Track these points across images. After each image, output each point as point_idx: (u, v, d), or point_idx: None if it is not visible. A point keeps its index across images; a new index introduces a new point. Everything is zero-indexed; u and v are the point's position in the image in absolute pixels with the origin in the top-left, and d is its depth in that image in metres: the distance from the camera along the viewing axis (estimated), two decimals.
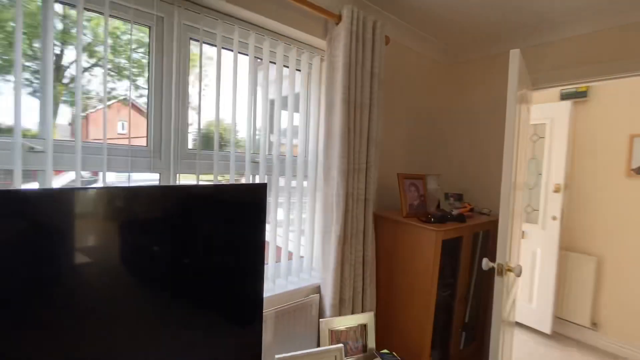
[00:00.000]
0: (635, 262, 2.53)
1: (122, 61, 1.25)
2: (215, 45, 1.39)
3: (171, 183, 1.31)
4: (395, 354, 1.43)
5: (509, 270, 1.52)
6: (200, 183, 1.37)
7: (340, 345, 1.23)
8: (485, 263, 1.59)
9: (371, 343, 1.44)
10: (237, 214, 1.17)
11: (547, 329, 2.79)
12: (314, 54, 1.79)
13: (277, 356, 1.11)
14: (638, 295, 2.52)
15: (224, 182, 1.46)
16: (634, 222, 2.55)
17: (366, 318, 1.47)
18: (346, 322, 1.41)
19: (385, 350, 1.45)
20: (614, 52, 1.79)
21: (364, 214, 1.77)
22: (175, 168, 1.34)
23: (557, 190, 2.78)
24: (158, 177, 1.32)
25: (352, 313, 1.72)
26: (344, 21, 1.60)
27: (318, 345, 1.44)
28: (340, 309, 1.67)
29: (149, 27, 1.28)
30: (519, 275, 1.51)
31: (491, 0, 1.72)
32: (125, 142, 1.24)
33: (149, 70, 1.28)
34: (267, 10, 1.46)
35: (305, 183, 1.80)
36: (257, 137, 1.60)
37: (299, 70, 1.77)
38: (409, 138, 2.30)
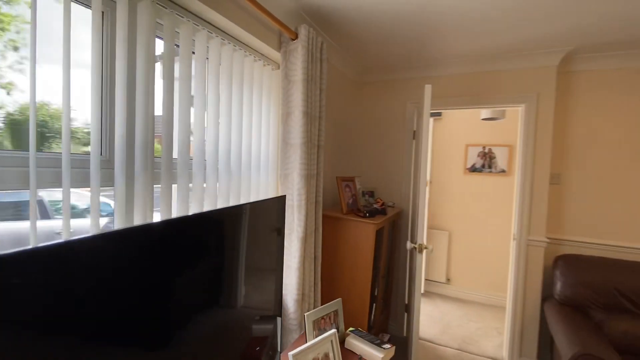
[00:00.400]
0: (472, 234, 3.68)
1: None
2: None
3: None
4: (360, 329, 1.71)
5: (425, 248, 2.04)
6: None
7: (334, 330, 1.40)
8: (409, 244, 2.07)
9: (342, 325, 1.67)
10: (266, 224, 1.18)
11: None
12: (263, 62, 1.84)
13: (290, 353, 1.19)
14: (474, 257, 3.68)
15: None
16: (469, 205, 3.69)
17: (337, 304, 1.68)
18: (323, 311, 1.59)
19: (351, 328, 1.71)
20: (465, 89, 2.60)
21: (314, 215, 1.96)
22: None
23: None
24: None
25: (311, 305, 1.90)
26: (301, 39, 1.74)
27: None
28: (302, 303, 1.83)
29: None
30: (431, 251, 2.05)
31: (402, 38, 2.21)
32: None
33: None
34: (224, 10, 1.41)
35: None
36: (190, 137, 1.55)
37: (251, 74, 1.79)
38: (334, 145, 2.62)
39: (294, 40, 1.77)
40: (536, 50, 2.27)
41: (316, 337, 1.48)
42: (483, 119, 3.29)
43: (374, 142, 2.94)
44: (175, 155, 1.27)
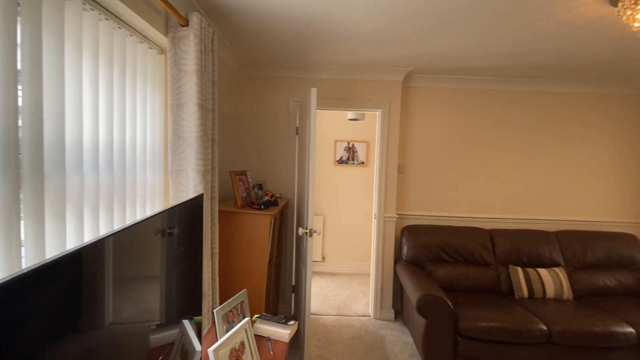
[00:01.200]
0: (341, 216, 4.28)
1: None
2: None
3: None
4: (265, 314, 1.81)
5: (315, 232, 2.31)
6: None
7: (247, 318, 1.45)
8: (300, 230, 2.29)
9: (248, 314, 1.72)
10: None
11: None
12: (148, 45, 1.65)
13: (209, 350, 1.18)
14: (343, 235, 4.29)
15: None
16: (339, 192, 4.27)
17: (243, 295, 1.71)
18: (231, 304, 1.60)
19: (257, 315, 1.78)
20: (338, 93, 3.01)
21: (211, 211, 1.92)
22: None
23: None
24: None
25: (210, 303, 1.88)
26: (193, 27, 1.65)
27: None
28: (202, 301, 1.78)
29: None
30: (319, 233, 2.34)
31: (290, 41, 2.37)
32: None
33: None
34: None
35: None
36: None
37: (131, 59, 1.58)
38: (224, 139, 2.56)
39: (184, 27, 1.66)
40: (389, 67, 2.86)
41: (226, 330, 1.51)
42: (349, 119, 3.86)
43: (261, 136, 3.02)
44: (46, 152, 1.03)
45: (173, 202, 1.69)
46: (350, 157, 4.24)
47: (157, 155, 1.76)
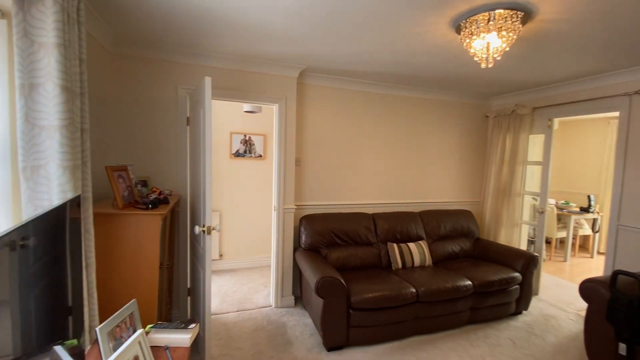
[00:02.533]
0: (239, 211, 4.18)
1: None
2: None
3: None
4: (160, 322, 1.64)
5: (213, 229, 2.21)
6: None
7: (140, 330, 1.28)
8: (197, 229, 2.16)
9: (139, 325, 1.52)
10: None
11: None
12: None
13: None
14: (242, 230, 4.21)
15: None
16: (236, 186, 4.15)
17: (132, 306, 1.50)
18: (117, 318, 1.39)
19: (150, 325, 1.60)
20: (233, 84, 2.92)
21: (83, 214, 1.62)
22: None
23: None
24: None
25: (86, 321, 1.61)
26: None
27: None
28: (79, 320, 1.51)
29: None
30: (218, 230, 2.25)
31: (179, 21, 2.16)
32: None
33: None
34: None
35: None
36: None
37: None
38: (96, 129, 2.16)
39: None
40: (285, 63, 2.92)
41: (113, 348, 1.33)
42: (245, 112, 3.78)
43: (145, 126, 2.67)
44: None
45: (29, 205, 1.36)
46: (247, 150, 4.17)
47: (1, 149, 1.38)
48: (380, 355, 2.45)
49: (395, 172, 3.75)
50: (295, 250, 3.22)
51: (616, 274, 2.11)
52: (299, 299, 3.32)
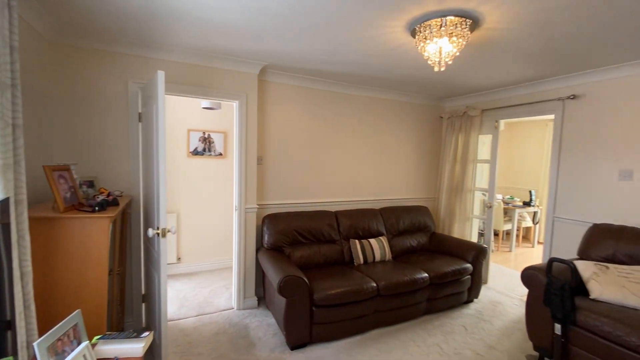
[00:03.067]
0: (198, 212, 4.02)
1: None
2: None
3: None
4: (109, 333, 1.52)
5: (168, 231, 2.10)
6: None
7: (86, 342, 1.18)
8: (151, 232, 2.05)
9: (85, 337, 1.40)
10: None
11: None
12: None
13: None
14: (201, 232, 4.05)
15: None
16: (195, 186, 3.99)
17: (76, 317, 1.38)
18: (59, 331, 1.26)
19: (97, 336, 1.48)
20: (190, 79, 2.79)
21: (16, 220, 1.46)
22: None
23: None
24: None
25: (23, 336, 1.46)
26: None
27: None
28: (14, 336, 1.37)
29: None
30: (174, 233, 2.15)
31: (127, 10, 2.02)
32: None
33: None
34: None
35: None
36: None
37: None
38: (32, 125, 1.95)
39: None
40: (245, 59, 2.86)
41: None
42: (203, 108, 3.64)
43: (91, 123, 2.46)
44: None
45: None
46: (206, 148, 4.02)
47: None
48: (343, 349, 2.50)
49: (357, 170, 3.83)
50: (257, 250, 3.17)
51: (551, 261, 2.34)
52: (262, 299, 3.28)
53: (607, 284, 2.24)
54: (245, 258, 3.11)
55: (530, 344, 2.64)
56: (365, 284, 2.67)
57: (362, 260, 3.23)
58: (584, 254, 2.68)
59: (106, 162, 2.53)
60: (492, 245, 4.89)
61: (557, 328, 2.22)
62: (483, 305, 3.36)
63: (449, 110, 4.39)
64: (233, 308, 3.13)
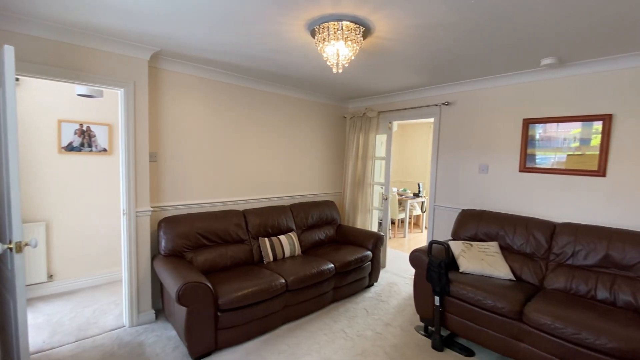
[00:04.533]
0: (77, 219, 3.38)
1: None
2: None
3: None
4: None
5: (26, 244, 1.70)
6: None
7: None
8: (0, 247, 1.62)
9: None
10: None
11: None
12: None
13: None
14: (81, 243, 3.42)
15: None
16: (71, 188, 3.34)
17: None
18: None
19: None
20: (56, 59, 2.31)
21: None
22: None
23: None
24: None
25: None
26: None
27: None
28: None
29: None
30: (35, 246, 1.74)
31: None
32: None
33: None
34: None
35: None
36: None
37: None
38: None
39: None
40: (131, 41, 2.50)
41: None
42: (79, 95, 3.06)
43: None
44: None
45: None
46: (85, 142, 3.40)
47: None
48: (252, 350, 2.45)
49: (265, 167, 3.79)
50: (153, 258, 2.85)
51: (431, 243, 2.73)
52: (162, 311, 2.96)
53: (471, 258, 2.74)
54: (138, 268, 2.75)
55: (417, 317, 3.05)
56: (274, 281, 2.67)
57: (271, 258, 3.21)
58: (455, 235, 3.21)
59: None
60: (390, 232, 5.47)
61: (437, 300, 2.61)
62: (382, 287, 3.73)
63: (351, 111, 4.70)
64: (125, 326, 2.74)
